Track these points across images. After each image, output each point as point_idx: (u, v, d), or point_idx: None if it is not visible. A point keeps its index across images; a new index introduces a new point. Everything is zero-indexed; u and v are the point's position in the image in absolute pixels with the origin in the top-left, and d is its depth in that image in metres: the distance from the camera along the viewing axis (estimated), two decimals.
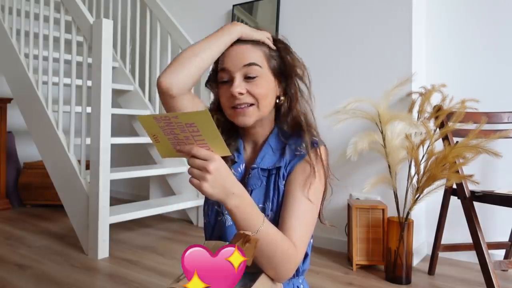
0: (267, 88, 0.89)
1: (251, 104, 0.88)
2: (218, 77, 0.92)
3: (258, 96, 0.87)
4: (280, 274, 0.82)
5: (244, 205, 0.77)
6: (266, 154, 0.92)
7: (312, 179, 0.86)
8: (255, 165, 0.92)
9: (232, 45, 0.90)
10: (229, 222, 0.92)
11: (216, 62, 0.93)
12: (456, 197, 1.83)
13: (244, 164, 0.96)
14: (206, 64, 0.89)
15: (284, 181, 0.90)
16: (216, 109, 0.96)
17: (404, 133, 1.83)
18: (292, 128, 0.93)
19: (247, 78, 0.88)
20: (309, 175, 0.86)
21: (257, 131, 0.95)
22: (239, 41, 0.90)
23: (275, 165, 0.90)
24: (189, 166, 0.74)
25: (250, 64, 0.87)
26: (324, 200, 0.92)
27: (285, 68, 0.92)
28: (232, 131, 0.97)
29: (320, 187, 0.89)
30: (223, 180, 0.73)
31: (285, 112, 0.93)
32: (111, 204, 2.20)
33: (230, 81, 0.89)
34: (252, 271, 0.80)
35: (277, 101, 0.93)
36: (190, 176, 0.73)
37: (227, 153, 0.73)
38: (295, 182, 0.87)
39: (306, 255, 0.93)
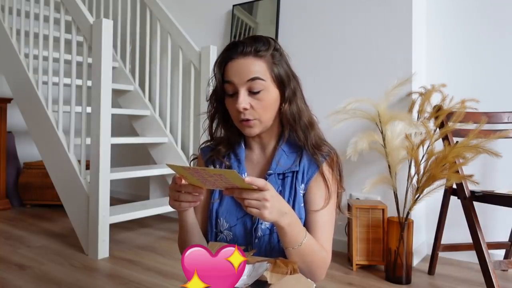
0: (270, 101, 0.92)
1: (254, 119, 0.92)
2: (225, 89, 0.93)
3: (260, 112, 0.91)
4: (316, 277, 0.89)
5: (294, 222, 0.83)
6: (280, 158, 0.96)
7: (328, 189, 0.94)
8: (271, 171, 0.96)
9: (234, 58, 0.91)
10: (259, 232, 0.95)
11: (222, 73, 0.93)
12: (456, 197, 1.83)
13: (246, 173, 0.99)
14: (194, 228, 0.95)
15: (303, 185, 0.95)
16: (223, 119, 1.01)
17: (404, 133, 1.83)
18: (299, 131, 0.95)
19: (251, 92, 0.90)
20: (325, 186, 0.94)
21: (263, 135, 0.99)
22: (241, 54, 0.90)
23: (291, 169, 0.95)
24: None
25: (253, 79, 0.89)
26: (340, 197, 0.99)
27: (285, 73, 0.94)
28: (235, 139, 1.01)
29: (335, 190, 0.96)
30: (278, 204, 0.78)
31: (289, 117, 0.95)
32: (111, 204, 2.20)
33: (235, 94, 0.91)
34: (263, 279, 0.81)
35: (281, 107, 0.95)
36: (247, 206, 0.76)
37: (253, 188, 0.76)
38: (316, 197, 0.94)
39: None
